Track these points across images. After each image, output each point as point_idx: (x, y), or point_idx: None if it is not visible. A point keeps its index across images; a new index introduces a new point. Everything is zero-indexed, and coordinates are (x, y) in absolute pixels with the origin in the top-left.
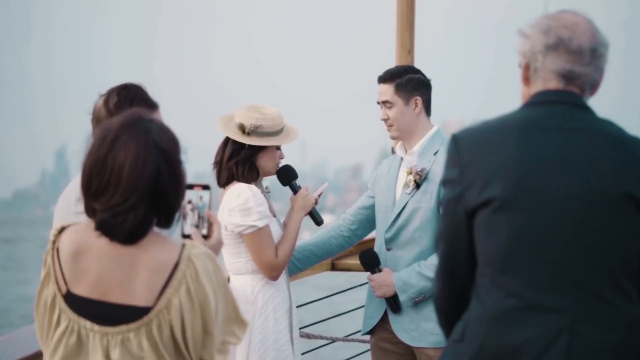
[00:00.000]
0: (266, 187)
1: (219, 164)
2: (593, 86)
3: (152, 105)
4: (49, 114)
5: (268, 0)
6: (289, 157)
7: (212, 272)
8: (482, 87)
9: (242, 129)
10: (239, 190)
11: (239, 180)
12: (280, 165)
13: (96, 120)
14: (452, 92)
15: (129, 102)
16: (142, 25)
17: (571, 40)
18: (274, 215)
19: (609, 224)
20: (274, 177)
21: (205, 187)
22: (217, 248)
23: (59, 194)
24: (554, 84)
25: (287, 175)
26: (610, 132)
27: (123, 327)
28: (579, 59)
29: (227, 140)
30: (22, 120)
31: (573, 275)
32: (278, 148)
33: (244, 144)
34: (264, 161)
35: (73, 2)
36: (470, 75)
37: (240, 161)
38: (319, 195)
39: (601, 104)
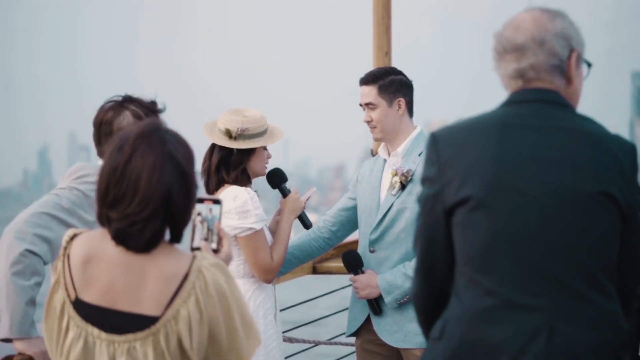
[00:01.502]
0: (255, 191)
1: (207, 172)
2: (564, 74)
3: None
4: (31, 114)
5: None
6: (272, 157)
7: (223, 282)
8: (466, 87)
9: (228, 134)
10: (236, 193)
11: (230, 185)
12: (268, 165)
13: (111, 128)
14: (436, 92)
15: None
16: (123, 25)
17: (515, 40)
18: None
19: (587, 222)
20: (261, 179)
21: (216, 202)
22: (226, 262)
23: (42, 193)
24: (514, 86)
25: (277, 179)
26: (588, 130)
27: (130, 336)
28: (520, 55)
29: (214, 147)
30: (3, 120)
31: (551, 274)
32: (265, 148)
33: (231, 150)
34: (254, 163)
35: (55, 3)
36: (454, 76)
37: (231, 167)
38: (307, 199)
39: (586, 103)
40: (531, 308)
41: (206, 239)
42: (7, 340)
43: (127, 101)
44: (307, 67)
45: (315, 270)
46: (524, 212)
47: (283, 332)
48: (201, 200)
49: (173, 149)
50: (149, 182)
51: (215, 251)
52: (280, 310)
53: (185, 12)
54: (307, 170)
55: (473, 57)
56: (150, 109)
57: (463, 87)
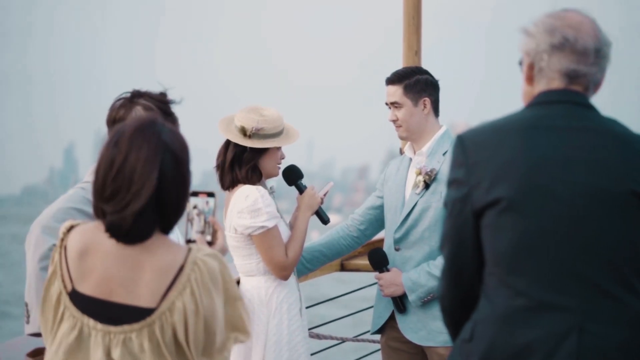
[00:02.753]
0: (271, 188)
1: (221, 167)
2: (596, 85)
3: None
4: (57, 112)
5: None
6: (296, 157)
7: (218, 271)
8: (474, 89)
9: (243, 131)
10: (247, 192)
11: (242, 182)
12: (281, 166)
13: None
14: (461, 94)
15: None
16: (144, 23)
17: (577, 40)
18: (281, 216)
19: (615, 222)
20: (279, 177)
21: (210, 195)
22: (221, 254)
23: (67, 191)
24: (557, 83)
25: (293, 175)
26: (614, 131)
27: (125, 327)
28: (583, 59)
29: (228, 143)
30: (29, 118)
31: (581, 274)
32: (279, 149)
33: (245, 147)
34: (265, 163)
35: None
36: (462, 78)
37: (242, 164)
38: (325, 195)
39: (619, 105)
40: (562, 308)
41: (202, 232)
42: (38, 335)
43: (137, 96)
44: (334, 65)
45: (343, 268)
46: (554, 212)
47: (310, 329)
48: (196, 194)
49: (168, 141)
50: (142, 174)
51: (210, 243)
52: (307, 307)
53: (209, 10)
54: (331, 171)
55: (479, 59)
56: (161, 100)
57: (471, 89)
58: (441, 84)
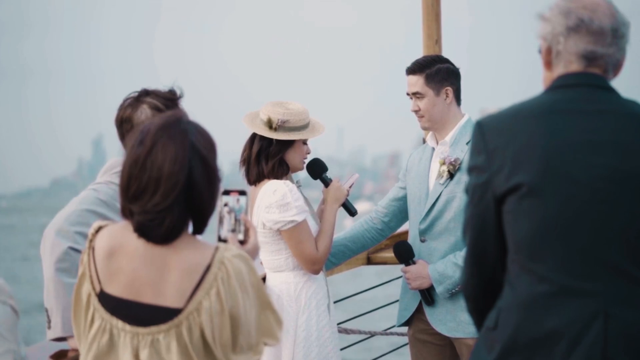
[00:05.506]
0: (297, 181)
1: (247, 161)
2: (616, 67)
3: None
4: (86, 103)
5: None
6: (326, 145)
7: (245, 273)
8: (502, 75)
9: (269, 124)
10: (275, 187)
11: (268, 176)
12: (307, 159)
13: (132, 124)
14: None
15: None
16: (172, 11)
17: (592, 21)
18: (309, 209)
19: (636, 205)
20: (305, 172)
21: (242, 193)
22: (253, 253)
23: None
24: (575, 66)
25: (317, 169)
26: (634, 113)
27: (153, 328)
28: (600, 40)
29: (254, 137)
30: (59, 109)
31: (604, 258)
32: (305, 143)
33: (271, 140)
34: (292, 156)
35: None
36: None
37: (269, 157)
38: (351, 187)
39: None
40: (586, 293)
41: (233, 230)
42: (61, 339)
43: (144, 95)
44: (359, 53)
45: (370, 261)
46: (575, 196)
47: (338, 324)
48: (227, 192)
49: (195, 140)
50: (170, 173)
51: (242, 242)
52: (335, 302)
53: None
54: (362, 159)
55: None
56: (169, 98)
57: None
58: (464, 72)
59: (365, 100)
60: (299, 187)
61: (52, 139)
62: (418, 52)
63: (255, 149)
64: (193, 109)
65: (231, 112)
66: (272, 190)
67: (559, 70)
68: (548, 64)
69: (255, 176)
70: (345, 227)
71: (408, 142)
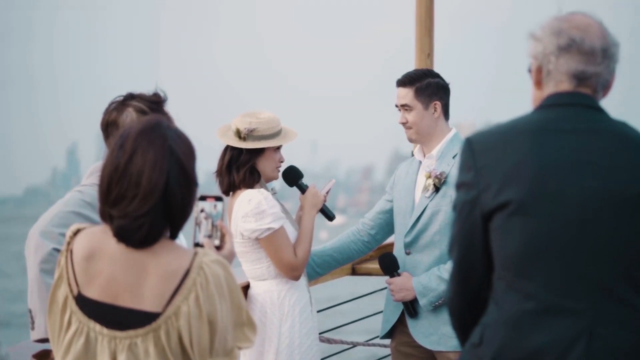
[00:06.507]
0: (272, 189)
1: (219, 172)
2: (605, 87)
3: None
4: (60, 113)
5: None
6: (300, 157)
7: (223, 279)
8: (486, 89)
9: (237, 134)
10: (250, 196)
11: (240, 185)
12: (281, 168)
13: (117, 127)
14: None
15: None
16: (146, 24)
17: (583, 41)
18: (286, 216)
19: (624, 225)
20: (281, 181)
21: (219, 199)
22: (229, 259)
23: (65, 194)
24: (566, 85)
25: (293, 176)
26: (624, 133)
27: (131, 332)
28: (591, 60)
29: (226, 148)
30: (32, 119)
31: (590, 277)
32: (276, 151)
33: (242, 150)
34: (263, 165)
35: (77, 2)
36: (473, 78)
37: (240, 166)
38: (327, 192)
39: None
40: (572, 312)
41: (210, 236)
42: (44, 340)
43: (129, 98)
44: (337, 67)
45: (354, 272)
46: (564, 215)
47: (320, 333)
48: (204, 198)
49: (174, 144)
50: (149, 178)
51: (218, 248)
52: (318, 311)
53: (210, 8)
54: (336, 171)
55: (490, 60)
56: (154, 101)
57: (481, 90)
58: (451, 86)
59: (340, 113)
60: (274, 194)
61: (27, 148)
62: (409, 65)
63: (227, 159)
64: (195, 111)
65: (225, 117)
66: (247, 200)
67: (550, 89)
68: (538, 83)
69: (227, 186)
70: (321, 238)
71: (382, 156)
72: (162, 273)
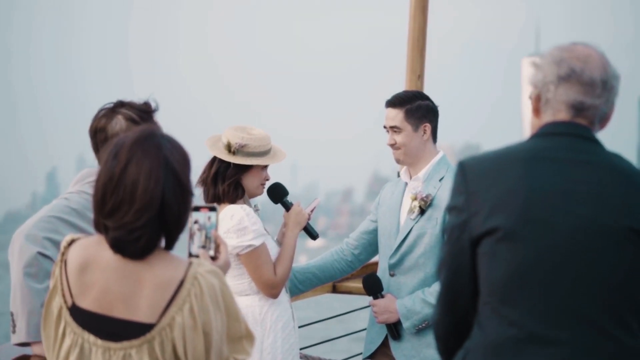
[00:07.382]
0: (255, 205)
1: (204, 182)
2: (603, 119)
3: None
4: (40, 138)
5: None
6: (280, 179)
7: (218, 289)
8: (485, 112)
9: (228, 148)
10: (232, 212)
11: (223, 198)
12: (266, 186)
13: (106, 134)
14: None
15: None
16: (115, 44)
17: (583, 72)
18: (268, 233)
19: (613, 258)
20: (265, 198)
21: (212, 209)
22: (225, 269)
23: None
24: (563, 115)
25: (278, 193)
26: (617, 166)
27: (125, 343)
28: (590, 91)
29: (214, 159)
30: (12, 143)
31: (575, 308)
32: (263, 169)
33: (229, 163)
34: (249, 181)
35: (50, 21)
36: (474, 101)
37: (225, 179)
38: (312, 210)
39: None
40: (553, 342)
41: (204, 247)
42: (25, 344)
43: (119, 106)
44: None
45: (335, 290)
46: (552, 244)
47: (300, 349)
48: (198, 209)
49: (169, 154)
50: (145, 189)
51: (213, 258)
52: (300, 327)
53: (171, 41)
54: (316, 194)
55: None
56: (144, 110)
57: (480, 112)
58: (440, 108)
59: (320, 136)
60: (256, 211)
61: (6, 173)
62: (400, 86)
63: (213, 170)
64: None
65: (196, 131)
66: (230, 215)
67: (547, 117)
68: (537, 111)
69: (211, 197)
70: (300, 262)
71: (362, 179)
72: (157, 283)
